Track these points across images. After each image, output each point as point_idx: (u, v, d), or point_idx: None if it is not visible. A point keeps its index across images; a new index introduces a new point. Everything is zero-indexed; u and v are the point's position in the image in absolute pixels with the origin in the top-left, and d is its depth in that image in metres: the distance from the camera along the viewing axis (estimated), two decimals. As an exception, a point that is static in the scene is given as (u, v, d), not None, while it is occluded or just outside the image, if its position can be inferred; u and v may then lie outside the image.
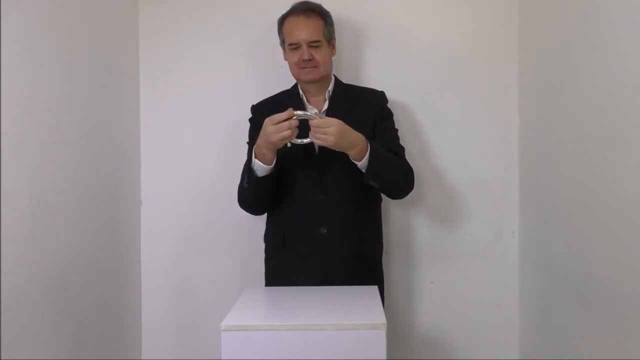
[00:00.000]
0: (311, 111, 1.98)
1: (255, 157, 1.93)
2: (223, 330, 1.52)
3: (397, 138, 2.16)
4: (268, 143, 1.87)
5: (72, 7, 2.01)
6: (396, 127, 2.19)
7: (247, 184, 1.98)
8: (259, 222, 2.22)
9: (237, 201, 2.10)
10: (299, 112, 1.86)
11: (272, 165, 1.94)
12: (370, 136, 2.08)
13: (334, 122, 1.84)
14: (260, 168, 1.93)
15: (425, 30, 2.46)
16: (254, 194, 2.02)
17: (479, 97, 2.46)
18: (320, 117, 1.87)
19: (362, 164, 1.91)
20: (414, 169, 2.10)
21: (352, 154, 1.90)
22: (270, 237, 2.17)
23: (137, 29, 2.50)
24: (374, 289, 1.89)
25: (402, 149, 2.13)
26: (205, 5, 2.49)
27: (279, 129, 1.83)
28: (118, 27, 2.38)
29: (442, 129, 2.46)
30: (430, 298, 2.49)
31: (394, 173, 2.01)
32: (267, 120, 1.86)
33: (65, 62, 1.96)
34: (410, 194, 2.14)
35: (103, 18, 2.23)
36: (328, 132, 1.82)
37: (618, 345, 1.63)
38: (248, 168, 1.97)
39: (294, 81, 2.19)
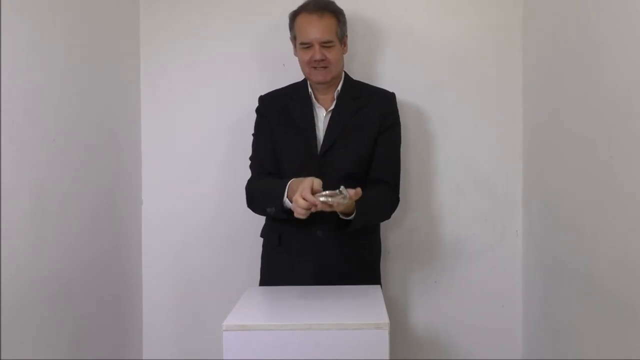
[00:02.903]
0: (341, 194, 1.77)
1: (287, 197, 1.87)
2: (225, 330, 1.51)
3: (397, 153, 2.13)
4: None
5: (72, 6, 2.00)
6: (401, 131, 2.15)
7: (273, 213, 1.94)
8: (260, 222, 2.21)
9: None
10: (332, 197, 1.75)
11: None
12: (373, 140, 2.06)
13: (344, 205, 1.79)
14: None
15: (429, 28, 2.44)
16: (273, 215, 1.99)
17: (482, 96, 2.44)
18: (343, 198, 1.75)
19: (346, 217, 1.92)
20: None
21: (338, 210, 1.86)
22: (268, 233, 2.17)
23: (137, 27, 2.49)
24: (377, 288, 1.89)
25: (397, 169, 2.11)
26: (206, 3, 2.48)
27: (302, 209, 1.76)
28: (118, 26, 2.37)
29: (445, 128, 2.45)
30: (434, 298, 2.48)
31: (375, 217, 2.09)
32: (300, 194, 1.75)
33: (65, 61, 1.95)
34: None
35: (103, 17, 2.22)
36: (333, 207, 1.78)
37: (622, 345, 1.61)
38: (278, 199, 1.89)
39: (298, 78, 2.17)
